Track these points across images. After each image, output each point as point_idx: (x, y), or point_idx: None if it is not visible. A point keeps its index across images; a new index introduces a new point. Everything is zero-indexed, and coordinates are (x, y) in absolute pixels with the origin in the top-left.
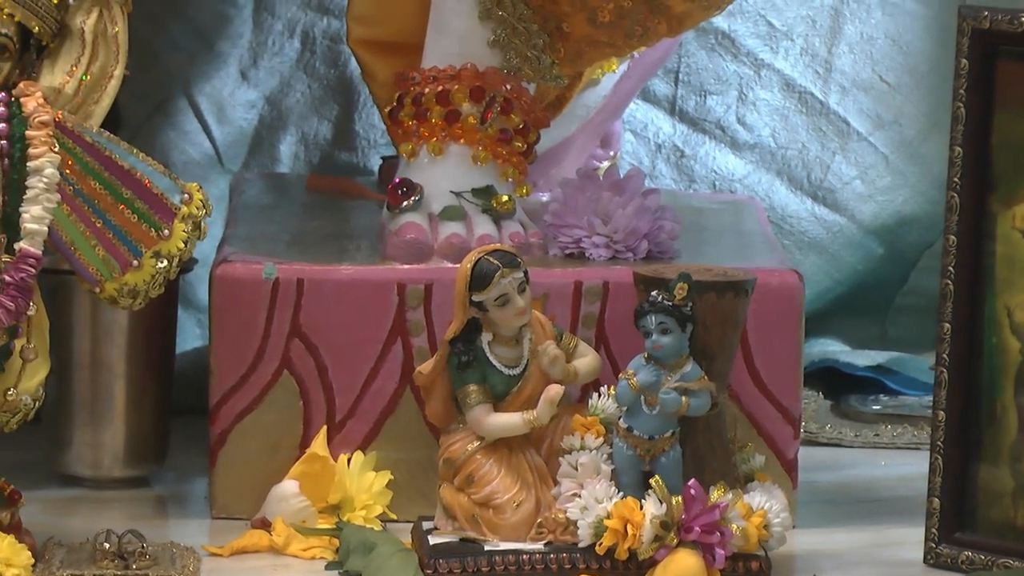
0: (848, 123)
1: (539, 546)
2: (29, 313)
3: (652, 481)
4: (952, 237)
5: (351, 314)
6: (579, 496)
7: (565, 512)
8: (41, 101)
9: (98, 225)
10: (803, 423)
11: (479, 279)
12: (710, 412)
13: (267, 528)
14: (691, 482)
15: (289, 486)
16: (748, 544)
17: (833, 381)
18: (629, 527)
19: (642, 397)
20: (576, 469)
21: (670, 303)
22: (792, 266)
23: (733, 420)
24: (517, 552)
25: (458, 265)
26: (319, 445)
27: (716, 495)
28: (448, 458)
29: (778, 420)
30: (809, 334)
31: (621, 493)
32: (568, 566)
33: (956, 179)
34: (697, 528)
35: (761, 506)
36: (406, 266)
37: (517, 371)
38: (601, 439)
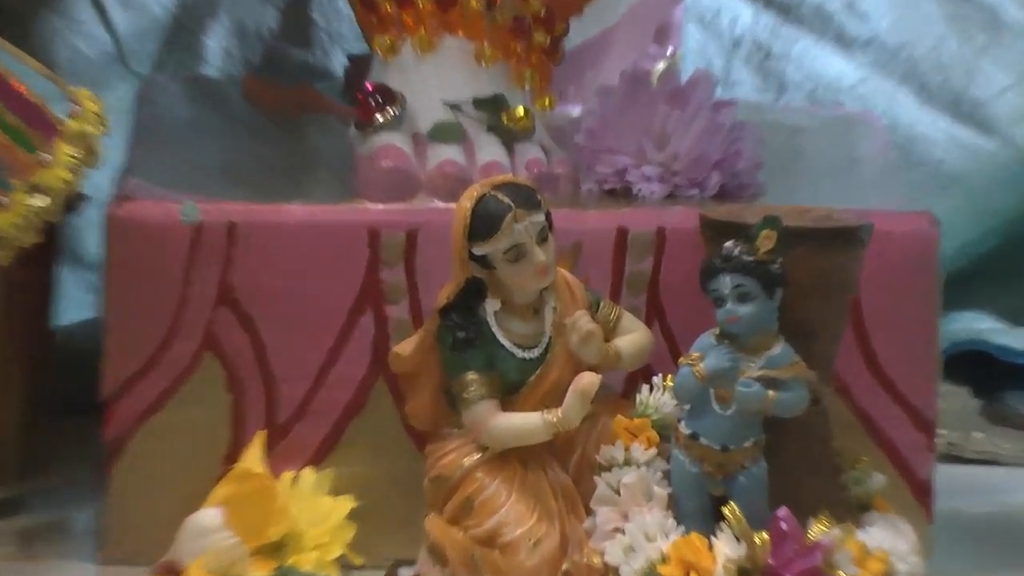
0: (999, 11)
1: None
2: None
3: (726, 510)
4: None
5: (302, 273)
6: (622, 532)
7: (602, 554)
8: None
9: None
10: (941, 430)
11: (483, 224)
12: (808, 412)
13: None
14: (781, 512)
15: (210, 516)
16: None
17: (984, 372)
18: None
19: (712, 391)
20: (618, 493)
21: (751, 258)
22: (924, 208)
23: (841, 425)
24: None
25: (454, 204)
26: (254, 458)
27: (817, 530)
28: (438, 476)
29: (905, 425)
30: (949, 305)
31: (682, 527)
32: None
33: None
34: None
35: (881, 546)
36: (381, 205)
37: (535, 353)
38: (654, 450)
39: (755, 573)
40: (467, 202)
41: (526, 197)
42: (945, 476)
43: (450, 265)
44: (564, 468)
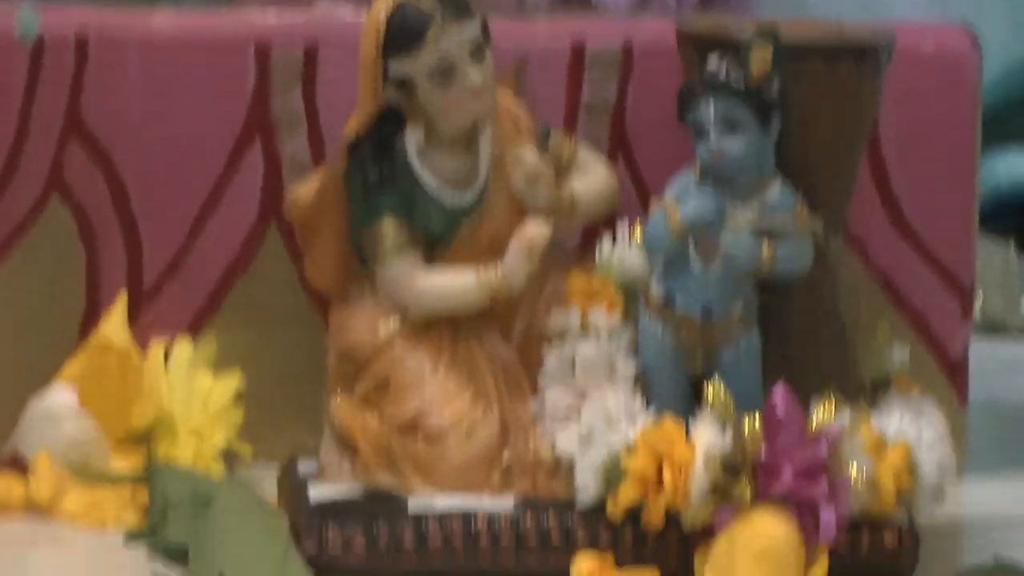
0: None
1: (506, 504)
2: None
3: (708, 390)
4: None
5: (172, 99)
6: (577, 417)
7: (553, 445)
8: None
9: None
10: (979, 295)
11: (402, 36)
12: (812, 271)
13: (21, 470)
14: (777, 391)
15: (61, 398)
16: (878, 502)
17: None
18: (666, 471)
19: (691, 244)
20: (573, 369)
21: (741, 80)
22: (960, 21)
23: (854, 287)
24: (467, 514)
25: (363, 14)
26: (114, 325)
27: (822, 415)
28: (346, 350)
29: (935, 289)
30: (990, 142)
31: (652, 410)
32: (557, 541)
33: None
34: (787, 473)
35: (903, 435)
36: (272, 14)
37: (468, 198)
38: (618, 317)
39: (744, 468)
40: (381, 9)
41: (454, 4)
42: (982, 352)
43: (359, 87)
44: (505, 339)
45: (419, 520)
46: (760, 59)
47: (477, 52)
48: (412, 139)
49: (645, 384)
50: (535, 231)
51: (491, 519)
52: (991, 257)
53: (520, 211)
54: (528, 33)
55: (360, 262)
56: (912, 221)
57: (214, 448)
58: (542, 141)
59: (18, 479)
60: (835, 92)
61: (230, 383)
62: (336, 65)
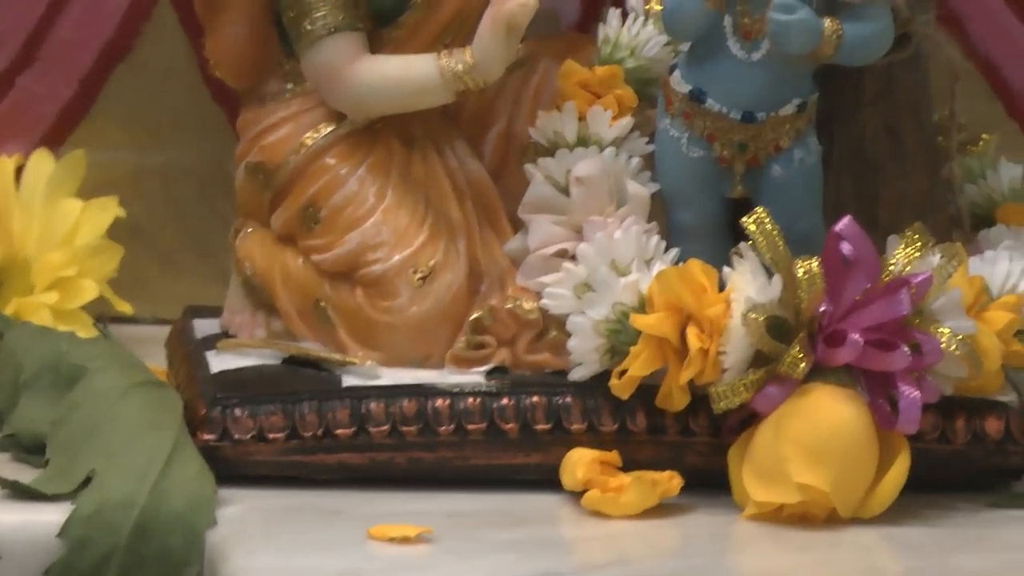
0: None
1: (474, 378)
2: None
3: (749, 221)
4: None
5: None
6: (572, 258)
7: (538, 297)
8: None
9: None
10: None
11: None
12: (893, 57)
13: None
14: (843, 223)
15: None
16: (980, 377)
17: None
18: (691, 333)
19: (728, 18)
20: (566, 192)
21: None
22: None
23: (951, 78)
24: (422, 391)
25: None
26: None
27: (904, 256)
28: (259, 164)
29: None
30: None
31: (675, 251)
32: (543, 428)
33: None
34: (856, 337)
35: (1013, 286)
36: None
37: None
38: (628, 120)
39: (798, 328)
40: None
41: None
42: None
43: None
44: (476, 152)
45: (357, 399)
46: None
47: None
48: None
49: (665, 213)
50: (517, 1)
51: (455, 399)
52: None
53: None
54: None
55: (282, 43)
56: None
57: (82, 300)
58: None
59: None
60: None
61: (105, 211)
62: None
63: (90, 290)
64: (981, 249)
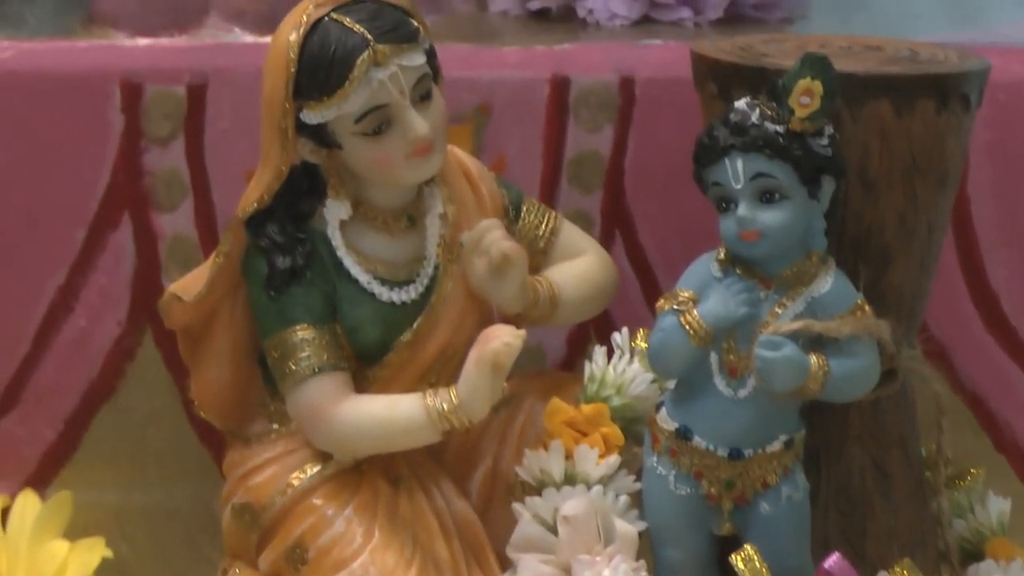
0: None
1: None
2: None
3: (737, 559)
4: None
5: (10, 154)
6: None
7: None
8: None
9: None
10: None
11: (320, 70)
12: (880, 394)
13: None
14: (831, 559)
15: None
16: None
17: None
18: None
19: (714, 356)
20: (554, 531)
21: (781, 127)
22: None
23: (937, 413)
24: None
25: (267, 39)
26: None
27: None
28: (245, 505)
29: None
30: None
31: None
32: None
33: None
34: None
35: None
36: (143, 40)
37: (412, 294)
38: (615, 458)
39: None
40: (291, 32)
41: (393, 24)
42: None
43: (263, 142)
44: (462, 491)
45: None
46: (805, 98)
47: (422, 91)
48: (334, 213)
49: (652, 552)
50: (502, 341)
51: None
52: None
53: (482, 312)
54: (493, 62)
55: (266, 382)
56: (1015, 324)
57: None
58: (511, 214)
59: None
60: (910, 144)
61: (92, 552)
62: (229, 109)
63: None
64: None
